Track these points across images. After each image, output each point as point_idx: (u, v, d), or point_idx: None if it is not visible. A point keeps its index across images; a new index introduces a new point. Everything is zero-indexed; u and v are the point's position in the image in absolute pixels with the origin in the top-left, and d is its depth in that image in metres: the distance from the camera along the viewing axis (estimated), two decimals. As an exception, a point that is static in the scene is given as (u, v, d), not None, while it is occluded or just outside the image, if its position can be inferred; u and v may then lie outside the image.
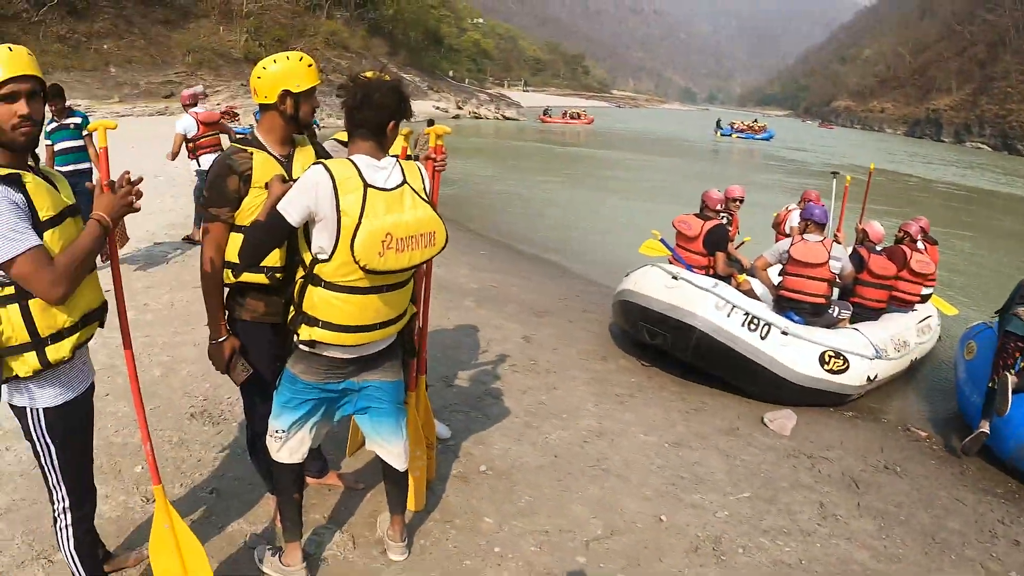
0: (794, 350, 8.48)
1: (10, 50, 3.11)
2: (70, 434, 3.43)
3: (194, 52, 64.42)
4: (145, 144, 24.39)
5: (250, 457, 4.94)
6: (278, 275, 4.13)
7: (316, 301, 3.73)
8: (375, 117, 3.75)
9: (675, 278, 8.94)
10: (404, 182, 3.78)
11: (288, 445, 4.18)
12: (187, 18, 72.47)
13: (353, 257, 3.54)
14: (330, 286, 3.69)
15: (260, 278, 4.13)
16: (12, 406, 3.33)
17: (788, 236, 11.47)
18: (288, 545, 4.43)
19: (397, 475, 4.49)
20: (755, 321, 8.52)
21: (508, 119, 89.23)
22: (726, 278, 9.61)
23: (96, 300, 3.45)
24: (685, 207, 10.89)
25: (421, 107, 72.83)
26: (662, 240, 10.24)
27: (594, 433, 7.01)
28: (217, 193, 4.06)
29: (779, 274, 9.63)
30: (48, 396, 3.31)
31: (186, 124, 12.61)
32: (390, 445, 4.36)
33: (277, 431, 4.16)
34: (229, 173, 4.03)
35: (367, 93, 3.74)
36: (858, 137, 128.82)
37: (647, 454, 6.70)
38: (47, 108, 8.21)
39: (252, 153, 4.09)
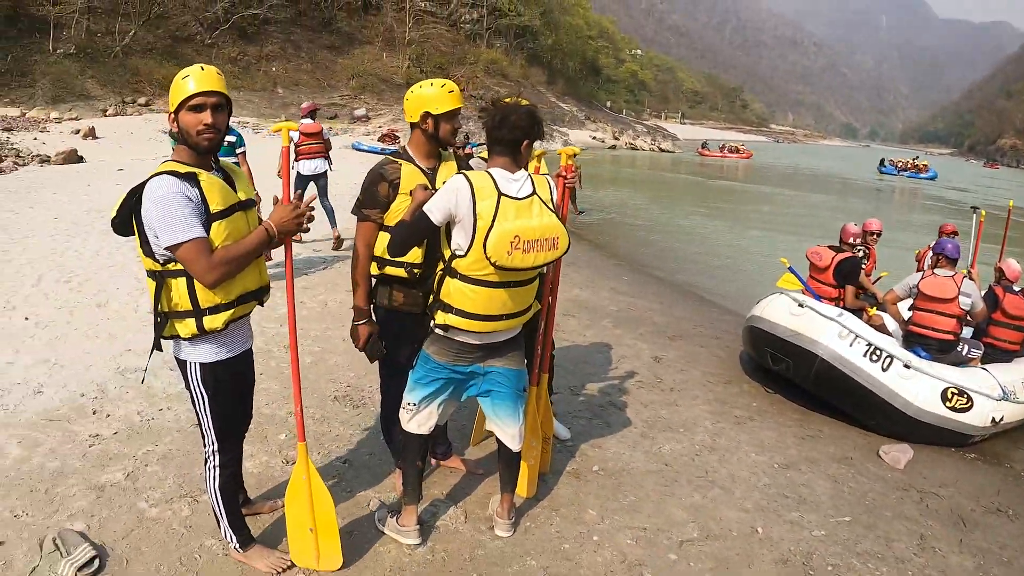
0: (915, 384, 8.25)
1: (202, 69, 3.74)
2: (220, 388, 4.08)
3: (358, 76, 66.36)
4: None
5: (383, 435, 5.74)
6: (416, 270, 4.80)
7: (452, 290, 4.32)
8: (510, 136, 4.35)
9: (801, 306, 9.01)
10: (534, 193, 4.34)
11: (417, 418, 4.80)
12: (352, 44, 74.45)
13: (485, 254, 4.11)
14: (464, 278, 4.27)
15: (401, 272, 4.83)
16: (176, 358, 4.08)
17: None
18: (406, 508, 5.02)
19: (510, 455, 5.04)
20: (877, 352, 8.37)
21: (664, 151, 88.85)
22: (856, 311, 9.55)
23: (255, 283, 4.08)
24: (827, 241, 10.87)
25: (578, 136, 73.06)
26: (791, 268, 10.26)
27: (706, 448, 7.23)
28: (370, 197, 4.79)
29: (908, 309, 9.55)
30: (204, 354, 3.99)
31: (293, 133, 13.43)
32: (506, 426, 4.93)
33: (409, 404, 4.80)
34: (381, 180, 4.77)
35: (504, 115, 4.35)
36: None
37: (755, 472, 6.83)
38: None
39: (401, 164, 4.82)
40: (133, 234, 3.79)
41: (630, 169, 56.13)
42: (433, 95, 4.76)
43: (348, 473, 5.96)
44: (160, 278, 3.76)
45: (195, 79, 3.69)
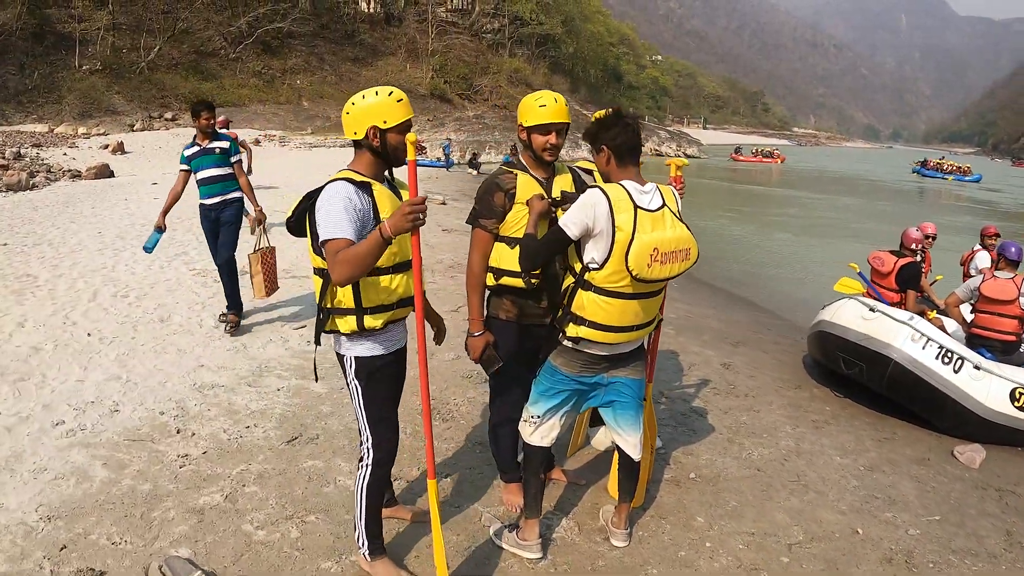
0: (986, 385, 8.36)
1: (391, 94, 4.00)
2: (373, 381, 4.22)
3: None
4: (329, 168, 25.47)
5: (490, 443, 5.60)
6: (534, 281, 4.71)
7: (585, 303, 4.27)
8: (639, 145, 4.37)
9: (872, 310, 9.01)
10: (664, 204, 4.26)
11: (540, 430, 4.76)
12: (376, 56, 74.87)
13: (627, 267, 4.07)
14: (599, 291, 4.21)
15: (518, 283, 4.76)
16: (336, 352, 4.26)
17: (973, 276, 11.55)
18: (527, 522, 4.91)
19: (631, 465, 4.95)
20: (949, 355, 8.43)
21: (689, 157, 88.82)
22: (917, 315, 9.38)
23: (411, 291, 4.19)
24: (877, 245, 10.70)
25: (600, 143, 72.83)
26: (860, 274, 10.16)
27: (792, 452, 7.28)
28: (486, 207, 4.73)
29: (970, 311, 9.57)
30: (361, 349, 4.16)
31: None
32: (628, 436, 4.85)
33: (533, 416, 4.76)
34: (496, 190, 4.70)
35: (635, 127, 4.33)
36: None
37: (843, 474, 6.90)
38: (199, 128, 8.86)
39: (517, 174, 4.75)
40: (306, 234, 4.11)
41: (655, 175, 56.04)
42: (525, 106, 4.78)
43: (452, 488, 5.86)
44: (326, 276, 3.99)
45: (392, 106, 3.99)
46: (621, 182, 4.24)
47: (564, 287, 4.46)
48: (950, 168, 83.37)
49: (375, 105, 3.93)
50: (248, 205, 9.42)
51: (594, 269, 4.20)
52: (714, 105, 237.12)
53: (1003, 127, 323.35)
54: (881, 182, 71.18)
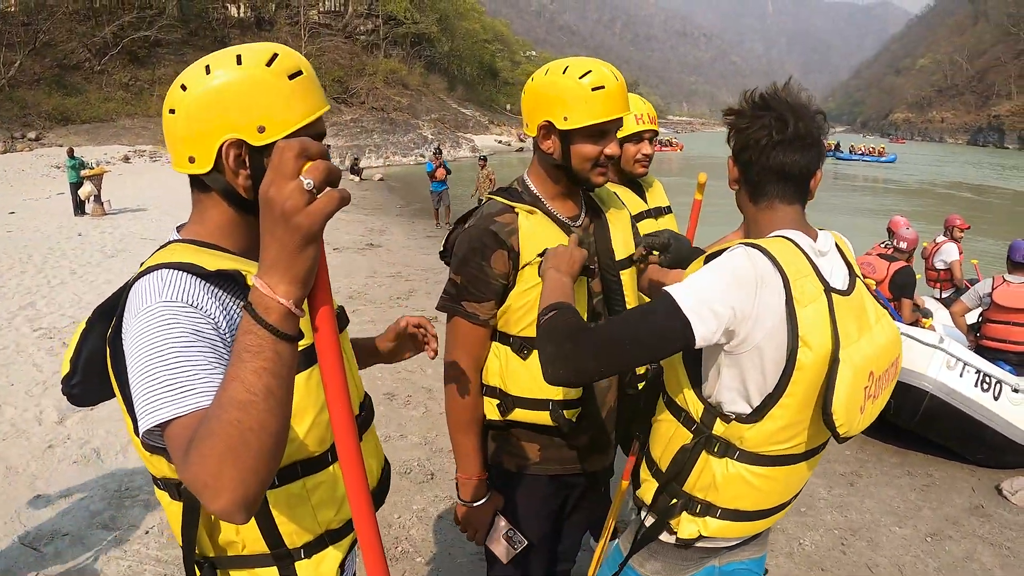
0: None
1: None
2: None
3: (255, 96, 64.96)
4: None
5: None
6: (568, 413, 2.69)
7: (718, 480, 2.20)
8: (806, 164, 2.18)
9: None
10: (854, 276, 2.25)
11: None
12: (247, 62, 73.56)
13: (828, 419, 2.00)
14: (751, 458, 2.16)
15: (543, 418, 2.69)
16: None
17: (939, 271, 11.27)
18: None
19: None
20: (987, 380, 7.41)
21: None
22: (911, 325, 8.55)
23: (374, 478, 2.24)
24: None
25: (483, 141, 73.05)
26: (875, 292, 8.97)
27: (846, 531, 6.10)
28: (475, 279, 2.64)
29: (978, 319, 8.63)
30: None
31: None
32: None
33: None
34: (495, 247, 2.59)
35: (807, 127, 2.16)
36: (931, 150, 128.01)
37: (915, 553, 5.83)
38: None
39: (518, 213, 2.66)
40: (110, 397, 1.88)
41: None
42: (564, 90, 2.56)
43: None
44: (186, 496, 1.81)
45: (282, 89, 1.65)
46: (783, 232, 2.15)
47: (657, 439, 2.37)
48: (862, 151, 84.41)
49: (236, 88, 1.64)
50: None
51: (740, 419, 2.12)
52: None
53: (871, 105, 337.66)
54: None
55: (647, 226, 3.71)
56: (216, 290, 1.64)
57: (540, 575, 3.00)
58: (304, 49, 75.64)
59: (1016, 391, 7.44)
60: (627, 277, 2.80)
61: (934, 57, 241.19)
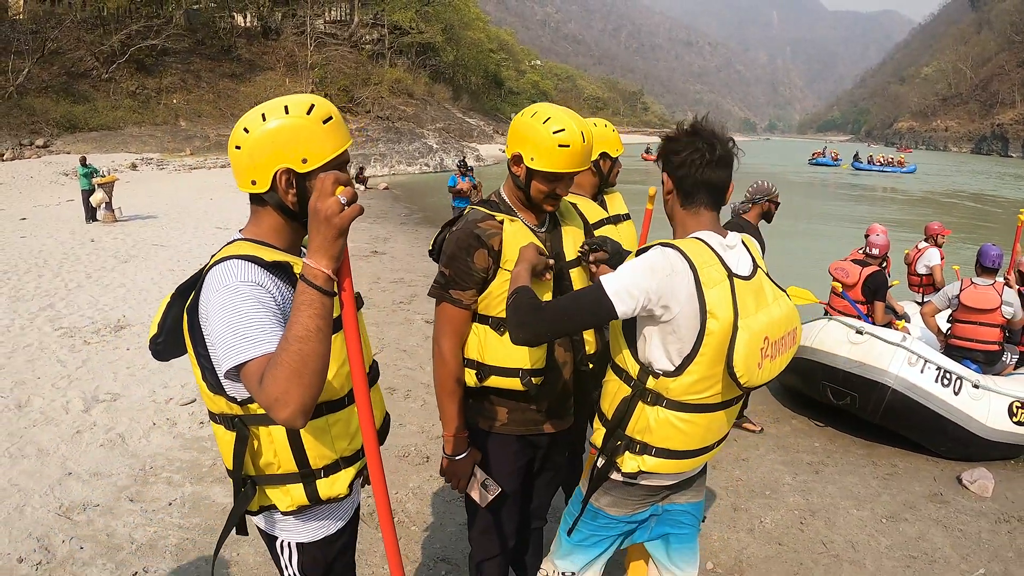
0: (985, 404, 7.86)
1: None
2: (327, 572, 2.78)
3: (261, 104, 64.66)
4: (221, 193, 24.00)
5: None
6: (535, 380, 3.33)
7: (651, 424, 2.89)
8: (726, 179, 2.91)
9: (860, 333, 8.23)
10: (756, 266, 2.95)
11: None
12: (253, 71, 73.52)
13: (731, 372, 2.72)
14: (675, 405, 2.85)
15: (513, 383, 3.33)
16: (262, 532, 2.76)
17: (921, 276, 11.54)
18: None
19: None
20: (948, 376, 7.85)
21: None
22: (884, 327, 8.88)
23: (380, 415, 2.98)
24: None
25: (488, 151, 72.79)
26: (843, 293, 9.38)
27: (806, 511, 6.51)
28: (461, 271, 3.29)
29: (948, 320, 9.09)
30: (308, 530, 2.69)
31: None
32: (685, 573, 3.46)
33: (564, 573, 3.35)
34: (477, 246, 3.24)
35: (722, 149, 2.86)
36: (937, 159, 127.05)
37: (869, 532, 6.23)
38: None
39: (504, 221, 3.32)
40: (184, 353, 2.69)
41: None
42: (536, 137, 3.22)
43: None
44: (240, 425, 2.53)
45: (317, 131, 2.45)
46: (698, 234, 2.87)
47: (605, 395, 3.09)
48: (882, 161, 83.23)
49: (285, 131, 2.34)
50: None
51: (666, 374, 2.82)
52: (595, 106, 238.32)
53: (876, 114, 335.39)
54: (809, 175, 71.49)
55: (607, 231, 4.32)
56: (271, 274, 2.36)
57: (512, 523, 3.66)
58: (311, 58, 76.05)
59: (976, 387, 7.85)
60: (576, 274, 3.47)
61: (938, 66, 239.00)
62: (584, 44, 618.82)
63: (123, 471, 6.29)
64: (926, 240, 11.78)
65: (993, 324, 8.60)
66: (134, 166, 44.27)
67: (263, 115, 2.37)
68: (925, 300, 10.99)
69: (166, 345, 2.64)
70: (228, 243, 2.50)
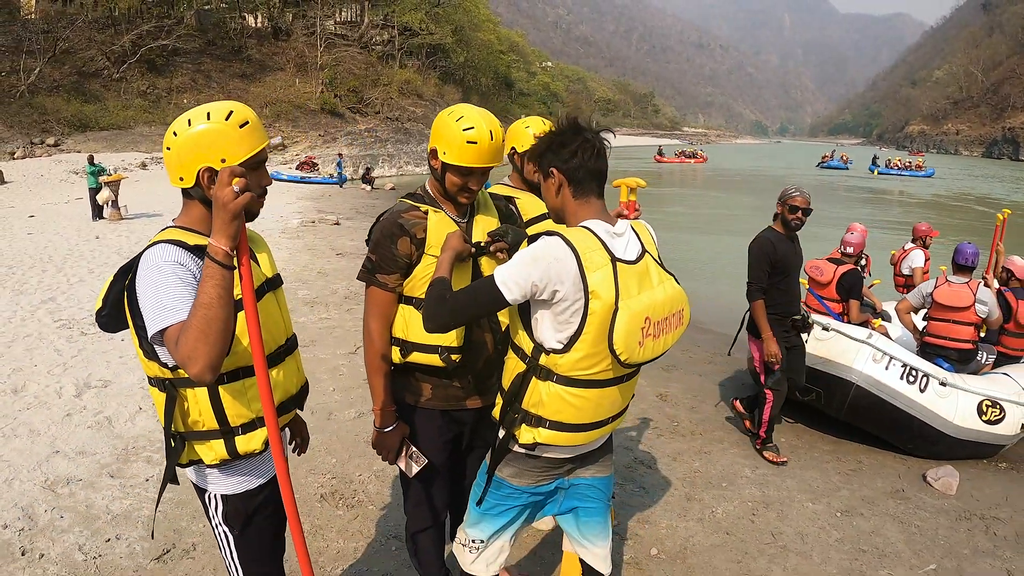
0: (953, 402, 7.92)
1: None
2: (251, 527, 3.15)
3: (271, 104, 64.76)
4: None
5: (409, 556, 4.30)
6: (454, 356, 3.61)
7: (544, 398, 3.10)
8: (603, 165, 3.16)
9: (826, 329, 8.33)
10: (644, 251, 3.19)
11: (485, 555, 3.56)
12: (264, 72, 73.45)
13: (611, 349, 2.94)
14: (565, 380, 3.06)
15: (433, 359, 3.62)
16: (194, 484, 3.17)
17: (906, 276, 11.50)
18: None
19: None
20: (913, 373, 7.92)
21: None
22: (861, 324, 8.97)
23: (296, 384, 3.30)
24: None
25: (499, 151, 72.64)
26: (808, 290, 9.48)
27: (760, 503, 6.58)
28: (386, 257, 3.58)
29: (923, 319, 9.19)
30: (230, 483, 3.09)
31: None
32: (596, 547, 3.63)
33: (475, 541, 3.54)
34: (401, 234, 3.55)
35: (599, 143, 3.15)
36: (950, 162, 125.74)
37: (821, 525, 6.29)
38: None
39: (428, 212, 3.62)
40: (126, 328, 3.03)
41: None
42: (448, 133, 3.57)
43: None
44: (168, 385, 2.89)
45: (232, 135, 2.84)
46: (585, 223, 3.10)
47: (505, 371, 3.32)
48: (902, 165, 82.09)
49: (207, 135, 2.70)
50: None
51: (555, 352, 3.05)
52: (605, 108, 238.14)
53: (887, 117, 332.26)
54: (816, 177, 71.08)
55: (546, 226, 4.54)
56: (193, 256, 2.74)
57: (443, 497, 4.00)
58: (320, 59, 76.11)
59: (944, 384, 7.93)
60: (484, 261, 3.72)
61: (950, 69, 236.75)
62: (595, 46, 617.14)
63: (107, 450, 6.67)
64: (913, 241, 11.86)
65: (967, 323, 8.66)
66: (144, 165, 44.49)
67: (189, 120, 2.74)
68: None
69: (109, 318, 3.00)
70: (162, 230, 2.93)
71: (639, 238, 3.22)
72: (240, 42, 74.50)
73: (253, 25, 79.69)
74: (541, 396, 3.12)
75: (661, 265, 3.25)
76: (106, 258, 16.25)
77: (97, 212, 22.66)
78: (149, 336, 2.65)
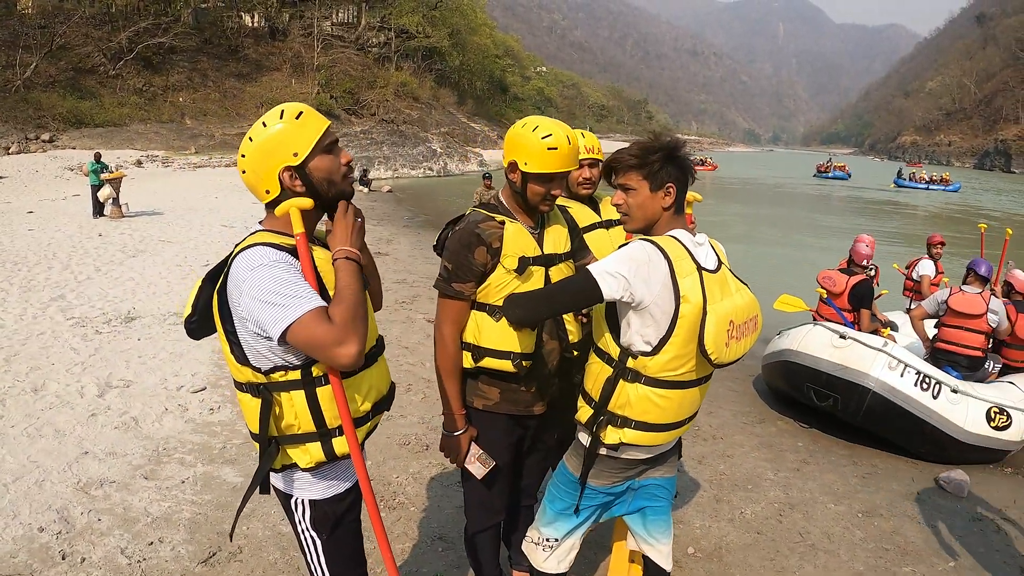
0: (963, 408, 8.12)
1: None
2: (339, 532, 3.10)
3: (267, 104, 64.18)
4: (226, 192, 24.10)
5: (468, 556, 4.35)
6: (525, 363, 3.66)
7: (631, 399, 3.21)
8: (689, 184, 3.30)
9: (843, 337, 8.52)
10: (720, 262, 3.32)
11: (557, 554, 3.67)
12: (260, 71, 73.53)
13: (702, 350, 3.07)
14: (653, 382, 3.18)
15: (505, 365, 3.66)
16: (277, 491, 3.08)
17: (915, 282, 11.81)
18: None
19: None
20: (927, 380, 8.12)
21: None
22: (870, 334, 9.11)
23: (386, 383, 3.23)
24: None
25: (492, 156, 72.73)
26: (827, 300, 9.64)
27: (785, 505, 6.78)
28: (463, 266, 3.62)
29: (935, 326, 9.31)
30: (320, 488, 3.03)
31: None
32: (661, 545, 3.74)
33: (548, 540, 3.66)
34: (478, 243, 3.58)
35: (679, 148, 3.26)
36: (962, 176, 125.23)
37: (845, 525, 6.48)
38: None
39: (504, 223, 3.65)
40: (213, 332, 3.03)
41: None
42: (527, 143, 3.59)
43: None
44: (265, 392, 2.83)
45: (296, 129, 2.84)
46: (672, 232, 3.22)
47: (589, 376, 3.39)
48: (930, 179, 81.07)
49: (270, 141, 2.73)
50: None
51: (644, 354, 3.15)
52: (599, 114, 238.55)
53: (880, 127, 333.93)
54: (815, 188, 71.78)
55: (598, 235, 4.66)
56: (287, 256, 2.70)
57: (503, 498, 4.04)
58: (317, 60, 76.16)
59: (955, 392, 8.13)
60: (555, 270, 3.82)
61: (943, 80, 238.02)
62: (590, 51, 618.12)
63: (137, 451, 6.58)
64: (928, 253, 12.20)
65: (978, 330, 8.80)
66: (139, 163, 44.35)
67: (250, 138, 2.77)
68: (914, 305, 11.33)
69: (199, 324, 2.97)
70: (250, 233, 2.88)
71: (715, 250, 3.35)
72: (237, 41, 74.57)
73: (250, 25, 79.62)
74: (628, 398, 3.22)
75: (735, 275, 3.37)
76: (111, 255, 16.12)
77: (98, 209, 22.54)
78: (276, 334, 2.55)
